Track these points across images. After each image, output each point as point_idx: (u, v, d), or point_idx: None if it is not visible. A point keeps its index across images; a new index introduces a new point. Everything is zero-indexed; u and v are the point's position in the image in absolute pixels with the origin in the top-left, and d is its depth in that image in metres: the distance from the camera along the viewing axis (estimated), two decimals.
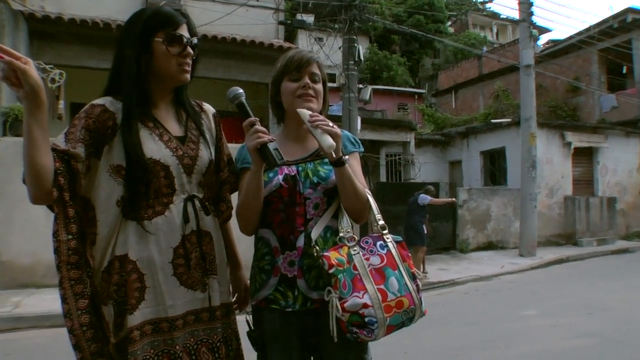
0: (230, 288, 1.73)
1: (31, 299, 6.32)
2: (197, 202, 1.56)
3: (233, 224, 1.78)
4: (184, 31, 1.53)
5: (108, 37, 8.33)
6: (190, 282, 1.52)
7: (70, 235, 1.40)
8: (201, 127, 1.67)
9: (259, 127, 1.49)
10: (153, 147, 1.49)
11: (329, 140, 1.47)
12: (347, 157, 1.56)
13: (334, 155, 1.50)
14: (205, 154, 1.62)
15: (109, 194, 1.46)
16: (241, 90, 1.57)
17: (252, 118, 1.51)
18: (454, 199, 8.81)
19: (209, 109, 1.79)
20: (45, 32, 8.50)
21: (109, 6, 9.37)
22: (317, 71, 1.69)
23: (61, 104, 7.97)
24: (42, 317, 5.56)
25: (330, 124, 1.51)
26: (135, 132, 1.47)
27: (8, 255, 6.91)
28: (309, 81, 1.65)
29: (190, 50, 1.54)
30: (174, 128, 1.59)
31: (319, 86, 1.69)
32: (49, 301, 5.93)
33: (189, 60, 1.55)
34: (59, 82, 7.88)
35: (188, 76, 1.57)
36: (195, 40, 1.57)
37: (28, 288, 6.78)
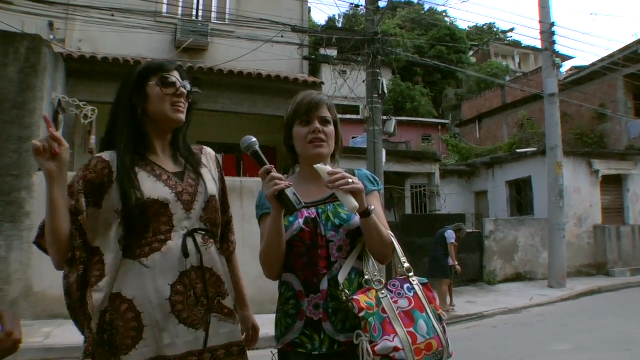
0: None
1: (61, 330, 6.42)
2: (198, 237, 1.56)
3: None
4: (175, 76, 1.64)
5: None
6: (191, 320, 1.49)
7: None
8: (197, 165, 1.70)
9: (275, 174, 1.50)
10: (151, 187, 1.53)
11: (352, 203, 1.48)
12: (373, 207, 1.56)
13: (359, 211, 1.51)
14: (205, 189, 1.63)
15: (115, 236, 1.50)
16: (254, 139, 1.59)
17: (268, 166, 1.52)
18: (459, 269, 8.61)
19: (210, 152, 1.83)
20: (80, 70, 8.89)
21: (140, 45, 9.76)
22: (327, 114, 1.71)
23: (92, 139, 8.26)
24: (70, 349, 5.62)
25: (350, 179, 1.50)
26: (130, 178, 1.52)
27: (40, 287, 7.06)
28: (318, 126, 1.67)
29: (183, 90, 1.62)
30: (170, 166, 1.64)
31: (330, 128, 1.71)
32: (78, 332, 6.00)
33: (183, 101, 1.63)
34: (91, 118, 8.20)
35: (182, 116, 1.63)
36: (187, 85, 1.65)
37: (58, 319, 6.88)
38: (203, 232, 1.59)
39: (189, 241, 1.53)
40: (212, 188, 1.67)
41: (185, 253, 1.51)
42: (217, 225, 1.69)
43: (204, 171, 1.70)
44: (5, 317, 0.95)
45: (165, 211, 1.52)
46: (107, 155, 1.58)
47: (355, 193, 1.49)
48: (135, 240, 1.50)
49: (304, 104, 1.69)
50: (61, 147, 1.42)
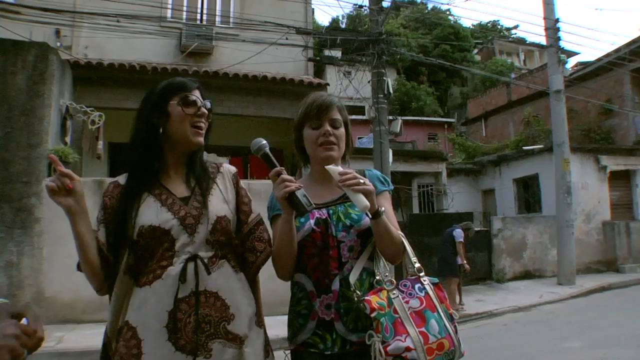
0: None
1: (72, 334, 6.47)
2: (199, 262, 1.51)
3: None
4: (197, 95, 1.62)
5: (144, 79, 8.74)
6: (189, 347, 1.44)
7: None
8: (207, 187, 1.64)
9: (285, 176, 1.51)
10: (154, 213, 1.52)
11: (363, 202, 1.49)
12: (383, 209, 1.57)
13: (370, 211, 1.52)
14: (213, 211, 1.57)
15: (124, 264, 1.53)
16: (264, 142, 1.59)
17: (278, 168, 1.53)
18: (468, 267, 8.59)
19: (228, 169, 1.77)
20: (87, 77, 8.97)
21: (146, 50, 9.83)
22: (337, 116, 1.71)
23: (100, 144, 8.32)
24: (83, 353, 5.68)
25: (362, 180, 1.51)
26: (128, 208, 1.54)
27: (51, 292, 7.13)
28: (329, 128, 1.68)
29: (204, 110, 1.62)
30: (180, 190, 1.61)
31: (340, 131, 1.71)
32: (89, 337, 6.07)
33: (203, 122, 1.62)
34: (98, 123, 8.26)
35: (201, 139, 1.62)
36: (208, 104, 1.65)
37: (69, 323, 6.94)
38: (210, 255, 1.54)
39: (190, 266, 1.49)
40: (221, 209, 1.60)
41: (182, 279, 1.47)
42: (232, 244, 1.63)
43: (215, 192, 1.65)
44: (28, 315, 0.97)
45: (168, 237, 1.51)
46: (122, 179, 1.61)
47: (365, 194, 1.50)
48: (142, 267, 1.52)
49: (314, 106, 1.69)
50: (73, 182, 1.45)
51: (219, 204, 1.62)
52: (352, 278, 1.59)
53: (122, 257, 1.53)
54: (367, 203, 1.49)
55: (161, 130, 1.58)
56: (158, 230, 1.50)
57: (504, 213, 14.94)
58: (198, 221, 1.54)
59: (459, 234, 8.48)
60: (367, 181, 1.54)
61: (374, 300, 1.52)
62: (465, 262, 8.50)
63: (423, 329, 1.50)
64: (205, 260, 1.52)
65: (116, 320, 1.50)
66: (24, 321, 0.96)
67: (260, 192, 8.24)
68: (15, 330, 0.90)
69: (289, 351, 1.71)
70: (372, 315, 1.49)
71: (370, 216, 1.56)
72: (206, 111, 1.63)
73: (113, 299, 1.52)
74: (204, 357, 1.45)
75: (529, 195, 15.21)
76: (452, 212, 13.09)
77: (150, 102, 1.60)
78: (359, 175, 1.53)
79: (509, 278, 12.14)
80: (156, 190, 1.58)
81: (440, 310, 1.56)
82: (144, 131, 1.58)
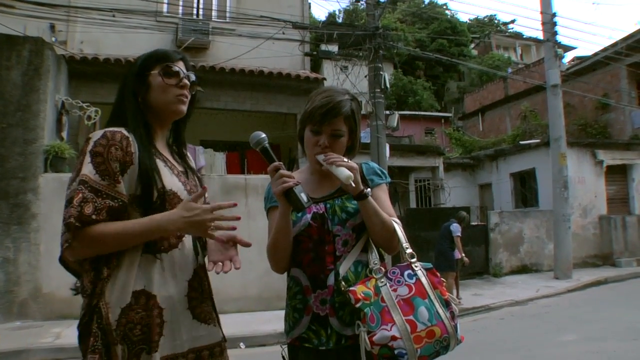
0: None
1: (70, 330, 6.46)
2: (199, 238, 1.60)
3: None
4: (180, 66, 1.58)
5: None
6: (203, 315, 1.52)
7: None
8: (191, 165, 1.70)
9: (283, 171, 1.49)
10: (169, 179, 1.49)
11: (345, 172, 1.48)
12: (368, 190, 1.57)
13: (354, 186, 1.51)
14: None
15: None
16: (264, 135, 1.56)
17: (277, 162, 1.51)
18: (467, 260, 8.66)
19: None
20: (82, 72, 8.93)
21: (141, 45, 9.73)
22: (340, 127, 1.65)
23: None
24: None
25: (345, 160, 1.54)
26: (154, 162, 1.47)
27: (48, 288, 7.12)
28: (326, 140, 1.63)
29: (186, 81, 1.58)
30: (175, 163, 1.61)
31: (340, 141, 1.66)
32: None
33: (186, 93, 1.58)
34: (94, 119, 8.23)
35: (184, 107, 1.58)
36: (192, 76, 1.61)
37: (67, 319, 6.94)
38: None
39: (195, 240, 1.57)
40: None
41: (196, 251, 1.55)
42: None
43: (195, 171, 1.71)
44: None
45: None
46: (125, 131, 1.46)
47: (348, 168, 1.51)
48: None
49: (319, 112, 1.62)
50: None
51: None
52: (342, 269, 1.58)
53: (131, 217, 1.44)
54: (350, 173, 1.49)
55: (140, 100, 1.55)
56: (176, 196, 1.48)
57: (500, 207, 14.97)
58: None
59: (456, 228, 8.50)
60: (351, 162, 1.55)
61: (360, 290, 1.50)
62: (463, 255, 8.53)
63: (411, 317, 1.46)
64: None
65: (123, 287, 1.37)
66: None
67: (257, 186, 8.26)
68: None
69: (285, 345, 1.70)
70: (357, 305, 1.47)
71: (354, 195, 1.55)
72: (188, 82, 1.59)
73: (116, 264, 1.39)
74: (213, 325, 1.56)
75: (525, 190, 15.24)
76: (449, 206, 13.12)
77: (133, 71, 1.57)
78: (343, 157, 1.57)
79: (505, 272, 12.19)
80: (159, 155, 1.55)
81: (432, 296, 1.52)
82: (130, 97, 1.54)
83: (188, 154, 1.77)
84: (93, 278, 1.38)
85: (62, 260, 1.47)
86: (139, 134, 1.48)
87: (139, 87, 1.54)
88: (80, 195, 1.34)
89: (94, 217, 1.33)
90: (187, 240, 1.53)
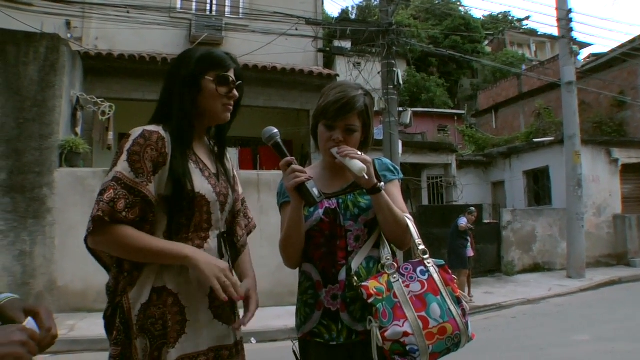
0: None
1: (84, 323, 6.56)
2: (225, 239, 1.61)
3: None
4: (232, 74, 1.59)
5: (153, 70, 8.78)
6: (224, 316, 1.53)
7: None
8: (227, 167, 1.71)
9: (295, 166, 1.50)
10: (199, 182, 1.50)
11: (358, 164, 1.49)
12: (382, 184, 1.56)
13: (367, 179, 1.51)
14: (232, 192, 1.66)
15: (159, 226, 1.47)
16: (276, 131, 1.56)
17: (289, 157, 1.52)
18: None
19: (229, 150, 1.83)
20: (97, 68, 9.03)
21: (155, 41, 9.85)
22: (354, 122, 1.65)
23: (110, 135, 8.39)
24: (94, 341, 5.76)
25: (359, 153, 1.55)
26: (187, 164, 1.49)
27: (63, 281, 7.23)
28: (340, 135, 1.63)
29: (235, 93, 1.59)
30: (208, 162, 1.61)
31: (354, 137, 1.66)
32: (100, 325, 6.08)
33: (232, 102, 1.61)
34: (108, 114, 8.32)
35: (229, 115, 1.61)
36: (241, 85, 1.63)
37: (81, 312, 7.04)
38: (227, 235, 1.64)
39: (222, 242, 1.58)
40: (237, 193, 1.72)
41: (221, 253, 1.55)
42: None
43: (230, 173, 1.72)
44: (42, 313, 0.95)
45: (207, 209, 1.51)
46: (162, 131, 1.49)
47: (362, 161, 1.51)
48: (176, 233, 1.47)
49: (334, 107, 1.62)
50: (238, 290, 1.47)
51: (236, 186, 1.72)
52: (355, 264, 1.58)
53: (158, 218, 1.47)
54: (363, 166, 1.49)
55: (190, 101, 1.55)
56: (203, 199, 1.49)
57: (513, 205, 14.87)
58: (226, 200, 1.60)
59: (462, 220, 8.52)
60: (364, 155, 1.55)
61: (372, 285, 1.50)
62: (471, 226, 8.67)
63: (423, 313, 1.46)
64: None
65: (144, 284, 1.42)
66: (28, 323, 0.92)
67: (270, 182, 8.28)
68: (21, 337, 0.84)
69: (297, 340, 1.71)
70: (369, 301, 1.47)
71: (367, 188, 1.55)
72: (237, 95, 1.61)
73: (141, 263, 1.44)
74: (232, 325, 1.58)
75: (539, 188, 15.11)
76: (461, 204, 13.05)
77: (185, 70, 1.55)
78: (356, 150, 1.57)
79: (518, 271, 12.11)
80: (193, 157, 1.55)
81: (444, 293, 1.52)
82: (176, 97, 1.54)
83: (228, 155, 1.78)
84: (116, 274, 1.45)
85: (94, 253, 1.51)
86: (179, 136, 1.50)
87: (190, 89, 1.54)
88: (112, 191, 1.38)
89: (124, 214, 1.37)
90: (212, 241, 1.54)
